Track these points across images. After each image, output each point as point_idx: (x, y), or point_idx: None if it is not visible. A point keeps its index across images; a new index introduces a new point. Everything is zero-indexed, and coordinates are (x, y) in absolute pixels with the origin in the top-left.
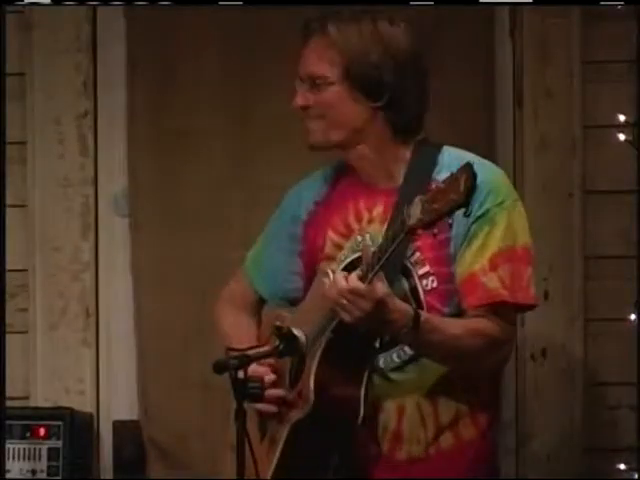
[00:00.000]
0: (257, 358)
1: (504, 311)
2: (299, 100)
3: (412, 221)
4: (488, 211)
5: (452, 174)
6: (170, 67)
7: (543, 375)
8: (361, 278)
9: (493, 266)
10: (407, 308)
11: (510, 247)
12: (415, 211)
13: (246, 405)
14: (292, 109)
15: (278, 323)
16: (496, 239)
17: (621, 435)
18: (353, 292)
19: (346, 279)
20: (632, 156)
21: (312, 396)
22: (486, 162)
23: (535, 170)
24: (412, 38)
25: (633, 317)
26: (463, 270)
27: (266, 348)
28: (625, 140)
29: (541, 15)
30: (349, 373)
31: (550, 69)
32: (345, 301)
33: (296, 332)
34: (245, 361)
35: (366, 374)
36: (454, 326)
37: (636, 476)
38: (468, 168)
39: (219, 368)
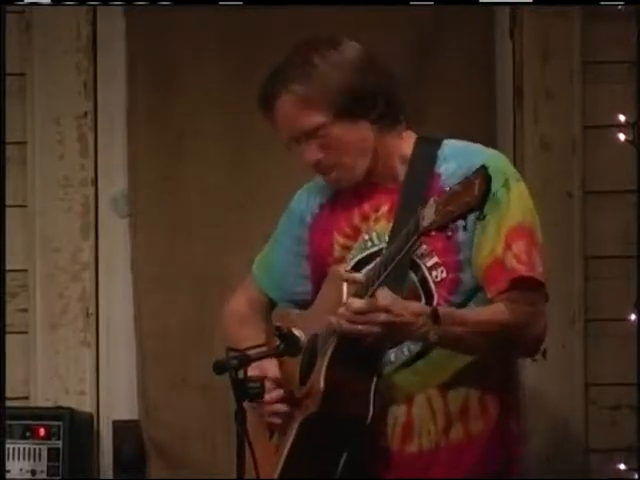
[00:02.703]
0: (257, 358)
1: (524, 290)
2: (309, 157)
3: (426, 222)
4: (495, 194)
5: (467, 177)
6: (170, 67)
7: (543, 375)
8: (361, 295)
9: (508, 245)
10: (421, 306)
11: (520, 223)
12: (429, 212)
13: (246, 405)
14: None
15: (278, 323)
16: (507, 218)
17: (621, 435)
18: (359, 312)
19: (346, 306)
20: (632, 156)
21: (323, 393)
22: (486, 148)
23: (535, 170)
24: (351, 44)
25: (633, 317)
26: (485, 257)
27: (266, 348)
28: (625, 140)
29: (541, 15)
30: (359, 372)
31: (550, 69)
32: (360, 326)
33: (296, 332)
34: (245, 361)
35: (376, 373)
36: (476, 314)
37: (636, 476)
38: (483, 171)
39: (219, 368)
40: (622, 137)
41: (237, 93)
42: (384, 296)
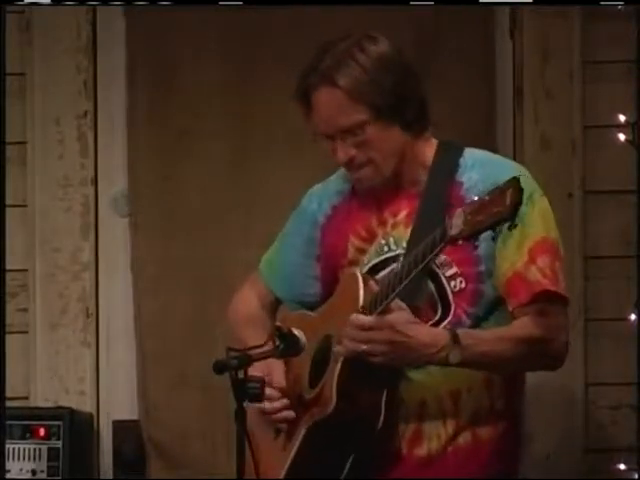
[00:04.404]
0: (258, 358)
1: (548, 304)
2: (342, 156)
3: (454, 231)
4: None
5: (498, 187)
6: (170, 67)
7: (543, 375)
8: (380, 301)
9: (532, 259)
10: (439, 329)
11: (545, 238)
12: (457, 222)
13: (246, 405)
14: (292, 109)
15: (278, 323)
16: (531, 232)
17: (621, 435)
18: (362, 328)
19: (349, 322)
20: (632, 156)
21: (334, 398)
22: (509, 160)
23: (535, 170)
24: (387, 42)
25: (633, 317)
26: (506, 270)
27: (267, 348)
28: (625, 140)
29: (541, 15)
30: (372, 378)
31: (550, 69)
32: (363, 345)
33: (296, 332)
34: (245, 361)
35: (389, 379)
36: (498, 332)
37: (636, 476)
38: (515, 182)
39: (219, 368)
40: (622, 137)
41: (237, 93)
42: (398, 315)
